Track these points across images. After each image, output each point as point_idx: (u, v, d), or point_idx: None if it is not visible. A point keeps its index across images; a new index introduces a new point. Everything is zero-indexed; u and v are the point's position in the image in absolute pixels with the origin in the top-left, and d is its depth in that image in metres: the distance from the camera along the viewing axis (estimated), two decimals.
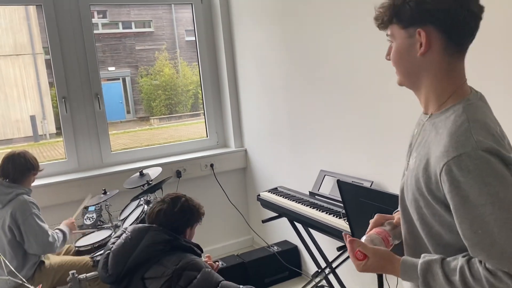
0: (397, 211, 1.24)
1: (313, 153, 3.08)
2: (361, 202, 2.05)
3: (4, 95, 10.14)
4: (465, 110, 1.01)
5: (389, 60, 1.13)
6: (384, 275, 2.24)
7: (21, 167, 2.64)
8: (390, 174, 2.44)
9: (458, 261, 0.98)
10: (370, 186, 2.47)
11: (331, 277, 2.82)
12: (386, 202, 1.85)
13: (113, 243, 1.87)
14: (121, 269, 1.77)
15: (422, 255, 1.05)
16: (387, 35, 1.12)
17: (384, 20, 1.08)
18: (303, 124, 3.13)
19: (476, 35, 1.05)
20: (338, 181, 2.16)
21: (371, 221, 1.28)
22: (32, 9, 10.34)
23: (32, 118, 9.92)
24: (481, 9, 1.03)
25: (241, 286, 1.78)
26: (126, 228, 1.90)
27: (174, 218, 1.92)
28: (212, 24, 3.89)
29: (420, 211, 1.05)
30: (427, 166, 1.01)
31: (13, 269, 2.10)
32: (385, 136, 2.45)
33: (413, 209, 1.08)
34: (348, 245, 1.11)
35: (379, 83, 2.43)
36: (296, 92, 3.15)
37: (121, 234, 1.88)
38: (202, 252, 1.89)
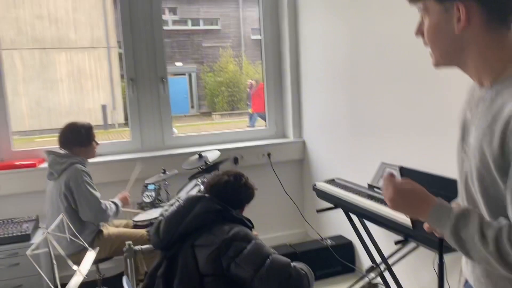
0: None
1: (373, 145, 2.96)
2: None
3: (79, 85, 10.86)
4: None
5: (420, 37, 1.06)
6: (445, 277, 2.08)
7: (77, 137, 2.74)
8: (453, 168, 2.28)
9: (501, 220, 0.91)
10: None
11: (386, 274, 2.69)
12: (454, 189, 1.73)
13: (167, 210, 1.91)
14: (172, 235, 1.79)
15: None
16: (418, 9, 1.04)
17: None
18: (363, 116, 3.03)
19: None
20: (401, 168, 2.06)
21: None
22: (109, 5, 10.98)
23: (103, 107, 10.54)
24: None
25: (293, 263, 1.73)
26: (179, 196, 1.93)
27: (238, 192, 1.94)
28: (278, 16, 3.89)
29: (486, 193, 0.96)
30: (493, 126, 0.92)
31: (75, 231, 2.19)
32: (449, 129, 2.30)
33: (479, 193, 0.98)
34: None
35: (444, 75, 2.29)
36: (358, 84, 3.06)
37: (175, 202, 1.91)
38: (253, 226, 1.87)
